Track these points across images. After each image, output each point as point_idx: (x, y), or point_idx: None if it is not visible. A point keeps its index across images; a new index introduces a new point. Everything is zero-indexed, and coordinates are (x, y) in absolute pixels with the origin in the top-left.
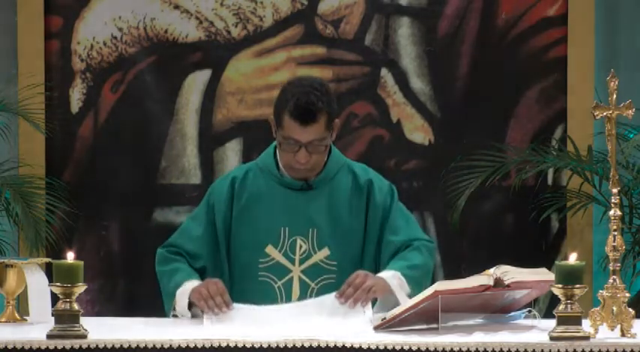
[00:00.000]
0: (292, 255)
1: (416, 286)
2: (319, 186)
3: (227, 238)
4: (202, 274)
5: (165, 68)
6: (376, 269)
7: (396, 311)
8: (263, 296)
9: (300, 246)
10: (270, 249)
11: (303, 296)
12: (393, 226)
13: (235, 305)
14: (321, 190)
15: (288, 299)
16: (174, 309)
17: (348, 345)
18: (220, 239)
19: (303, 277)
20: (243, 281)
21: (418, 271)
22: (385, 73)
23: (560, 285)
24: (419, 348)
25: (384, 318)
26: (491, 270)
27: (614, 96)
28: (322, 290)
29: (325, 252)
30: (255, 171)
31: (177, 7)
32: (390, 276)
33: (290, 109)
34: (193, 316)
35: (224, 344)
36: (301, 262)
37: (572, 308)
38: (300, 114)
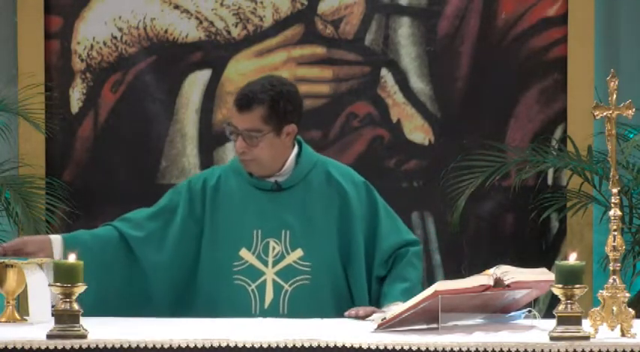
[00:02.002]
0: (265, 257)
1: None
2: (291, 187)
3: (194, 241)
4: (139, 242)
5: (165, 68)
6: (367, 271)
7: (396, 311)
8: (237, 299)
9: (273, 248)
10: (243, 252)
11: (276, 299)
12: (381, 231)
13: None
14: (293, 191)
15: (262, 302)
16: None
17: (348, 345)
18: (189, 242)
19: (277, 279)
20: (216, 284)
21: (414, 289)
22: (385, 73)
23: (560, 285)
24: (419, 348)
25: (384, 318)
26: (491, 270)
27: (614, 96)
28: (296, 292)
29: (299, 252)
30: (228, 173)
31: (177, 7)
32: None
33: (235, 95)
34: None
35: (224, 344)
36: (274, 264)
37: (572, 308)
38: (239, 99)
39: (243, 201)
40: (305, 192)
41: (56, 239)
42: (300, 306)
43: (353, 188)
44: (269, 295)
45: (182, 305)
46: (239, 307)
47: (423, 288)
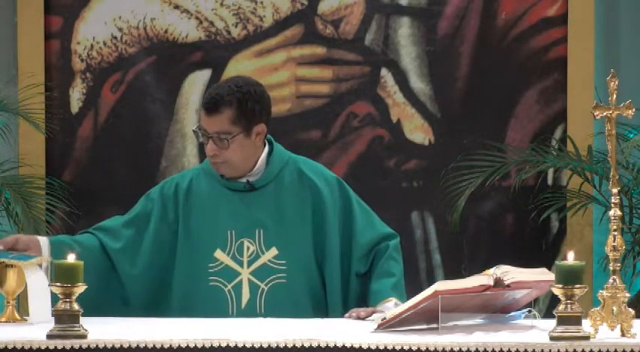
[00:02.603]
0: (240, 258)
1: (402, 296)
2: (262, 186)
3: (169, 245)
4: (117, 255)
5: (165, 68)
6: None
7: (396, 311)
8: (213, 301)
9: (248, 248)
10: (218, 254)
11: (253, 298)
12: (356, 227)
13: None
14: (265, 190)
15: (239, 302)
16: None
17: (348, 345)
18: (164, 248)
19: (253, 279)
20: (192, 286)
21: (401, 283)
22: (385, 73)
23: (560, 285)
24: (419, 348)
25: (384, 318)
26: (491, 270)
27: (614, 96)
28: (272, 291)
29: (273, 251)
30: (199, 175)
31: (177, 7)
32: (392, 306)
33: (203, 99)
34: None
35: (224, 344)
36: (249, 264)
37: (572, 308)
38: (206, 103)
39: (215, 202)
40: (277, 191)
41: (43, 241)
42: (277, 305)
43: (325, 185)
44: (245, 295)
45: (158, 307)
46: (216, 308)
47: (406, 280)
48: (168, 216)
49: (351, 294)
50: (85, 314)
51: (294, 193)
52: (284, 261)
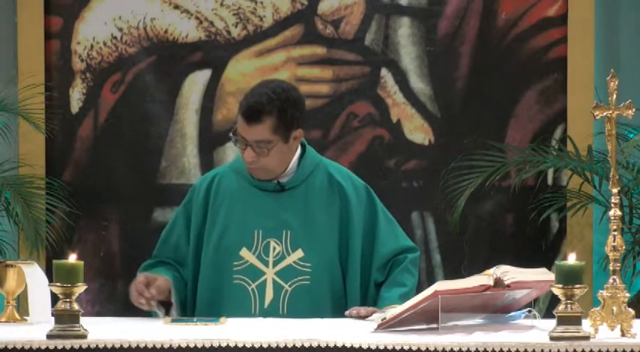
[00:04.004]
0: (266, 257)
1: None
2: (292, 187)
3: (199, 241)
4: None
5: (165, 68)
6: (363, 276)
7: (396, 311)
8: (237, 298)
9: (274, 248)
10: (244, 252)
11: (276, 299)
12: (379, 236)
13: None
14: (295, 191)
15: (262, 302)
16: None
17: (348, 345)
18: (192, 242)
19: (277, 279)
20: (216, 284)
21: (410, 294)
22: (385, 73)
23: (560, 285)
24: (419, 348)
25: (384, 318)
26: (492, 270)
27: (614, 96)
28: (296, 292)
29: (299, 253)
30: (229, 173)
31: (177, 7)
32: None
33: (241, 107)
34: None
35: (224, 344)
36: (275, 264)
37: (572, 308)
38: (246, 112)
39: (244, 201)
40: (306, 193)
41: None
42: (300, 306)
43: (354, 191)
44: (269, 295)
45: (186, 306)
46: (239, 307)
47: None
48: (201, 215)
49: (369, 301)
50: None
51: (323, 197)
52: (309, 264)
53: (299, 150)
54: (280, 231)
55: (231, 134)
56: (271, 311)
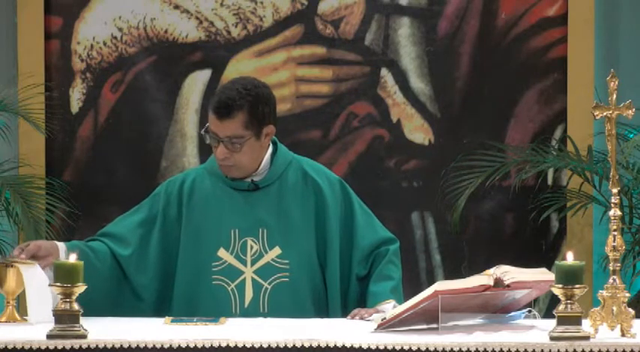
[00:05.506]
0: (244, 256)
1: (400, 300)
2: (267, 185)
3: (176, 243)
4: (127, 262)
5: (165, 68)
6: (343, 270)
7: (396, 311)
8: (216, 299)
9: (251, 247)
10: (222, 252)
11: (256, 297)
12: (357, 229)
13: None
14: (269, 189)
15: (242, 301)
16: None
17: (348, 345)
18: (171, 249)
19: (256, 277)
20: (196, 285)
21: (399, 287)
22: (385, 73)
23: (560, 285)
24: (419, 348)
25: (384, 318)
26: (492, 270)
27: (614, 96)
28: (275, 290)
29: (276, 251)
30: (203, 175)
31: (177, 7)
32: (390, 308)
33: (212, 103)
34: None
35: (224, 344)
36: (253, 263)
37: (572, 308)
38: (217, 107)
39: (219, 201)
40: (281, 191)
41: (61, 246)
42: (280, 304)
43: (328, 185)
44: (249, 294)
45: (163, 306)
46: (219, 307)
47: (404, 285)
48: (173, 216)
49: (351, 296)
50: (93, 314)
51: (298, 193)
52: (287, 261)
53: (270, 148)
54: (256, 230)
55: (203, 131)
56: (251, 311)
